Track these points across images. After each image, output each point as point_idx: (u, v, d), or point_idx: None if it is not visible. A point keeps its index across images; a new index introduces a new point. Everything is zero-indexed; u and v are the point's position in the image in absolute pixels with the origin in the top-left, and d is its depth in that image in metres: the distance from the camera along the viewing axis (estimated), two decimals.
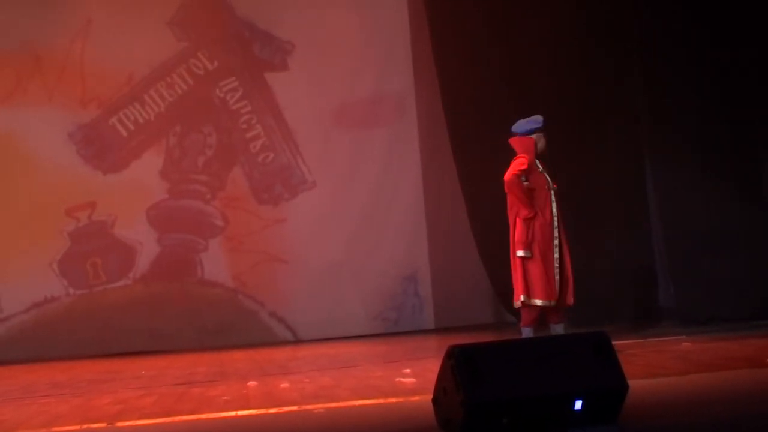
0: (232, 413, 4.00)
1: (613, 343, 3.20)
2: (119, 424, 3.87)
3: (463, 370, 2.98)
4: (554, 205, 5.90)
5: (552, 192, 5.91)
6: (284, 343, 9.02)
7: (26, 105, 9.19)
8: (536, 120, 6.01)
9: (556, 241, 5.86)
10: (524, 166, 5.86)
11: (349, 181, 9.44)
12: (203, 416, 3.99)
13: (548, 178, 5.97)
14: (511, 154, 6.03)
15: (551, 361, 3.06)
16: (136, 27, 9.35)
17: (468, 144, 8.61)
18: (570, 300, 5.91)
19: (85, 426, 3.88)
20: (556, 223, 5.89)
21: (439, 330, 9.20)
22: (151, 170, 9.39)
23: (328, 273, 9.28)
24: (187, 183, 9.47)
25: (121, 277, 9.26)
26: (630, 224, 7.94)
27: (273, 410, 4.01)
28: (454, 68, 8.60)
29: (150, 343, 8.87)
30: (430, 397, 3.27)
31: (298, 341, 9.14)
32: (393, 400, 4.11)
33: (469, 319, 9.26)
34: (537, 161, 5.98)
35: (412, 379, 4.79)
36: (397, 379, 4.82)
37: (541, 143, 5.99)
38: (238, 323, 9.26)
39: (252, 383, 5.15)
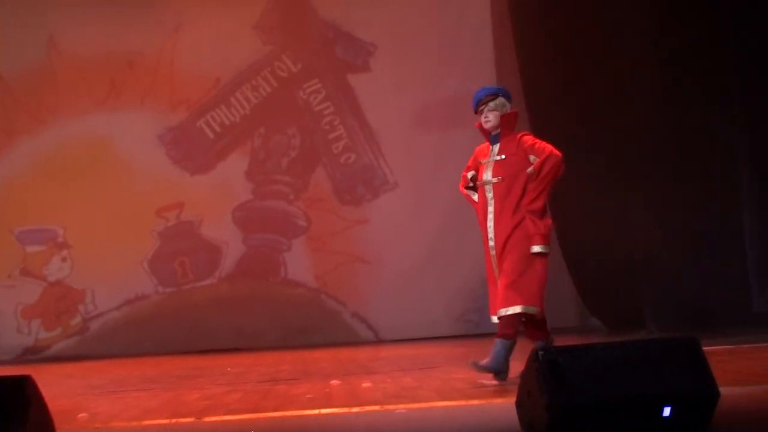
0: (316, 411, 4.04)
1: (703, 348, 3.11)
2: (206, 419, 3.95)
3: (548, 373, 2.95)
4: (491, 205, 4.82)
5: (489, 187, 4.83)
6: (366, 343, 9.08)
7: (120, 109, 9.52)
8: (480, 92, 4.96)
9: (491, 243, 4.82)
10: (470, 161, 5.01)
11: (432, 181, 9.43)
12: (287, 413, 4.05)
13: (491, 169, 4.83)
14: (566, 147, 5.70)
15: (639, 365, 3.00)
16: (223, 32, 9.58)
17: (551, 144, 8.50)
18: (498, 308, 4.80)
19: (174, 420, 3.98)
20: (490, 223, 4.82)
21: (521, 333, 9.09)
22: (236, 171, 9.59)
23: (410, 274, 9.30)
24: (271, 184, 9.63)
25: (207, 276, 9.48)
26: (722, 226, 7.71)
27: (355, 409, 4.03)
28: (538, 69, 8.51)
29: (235, 341, 9.05)
30: (512, 399, 3.24)
31: (379, 341, 9.18)
32: (475, 402, 4.09)
33: (552, 322, 8.99)
34: (494, 147, 4.88)
35: (495, 381, 4.76)
36: (479, 381, 4.79)
37: (485, 124, 4.89)
38: (321, 323, 9.37)
39: (335, 382, 5.20)
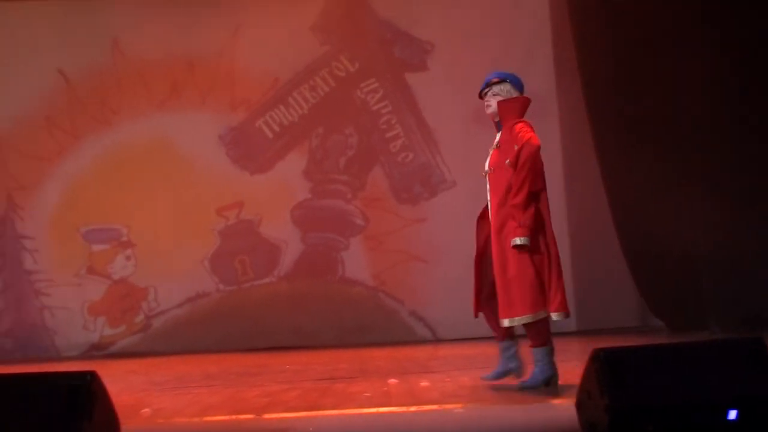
0: (374, 410, 4.06)
1: None
2: (266, 416, 4.00)
3: (608, 374, 2.91)
4: (488, 195, 4.69)
5: (487, 177, 4.68)
6: (423, 341, 9.07)
7: (181, 109, 9.69)
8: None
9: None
10: None
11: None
12: (346, 411, 4.07)
13: (490, 159, 4.69)
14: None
15: (703, 367, 2.94)
16: (281, 33, 9.67)
17: (612, 144, 8.40)
18: (500, 316, 4.53)
19: (234, 417, 4.04)
20: (490, 216, 4.65)
21: (581, 332, 8.99)
22: (295, 171, 9.68)
23: (467, 273, 9.21)
24: (329, 183, 9.70)
25: (266, 274, 9.59)
26: None
27: (413, 408, 4.04)
28: (597, 65, 8.40)
29: (293, 339, 9.14)
30: (572, 400, 3.21)
31: (437, 340, 9.17)
32: (534, 402, 4.06)
33: (613, 322, 9.02)
34: (497, 135, 4.72)
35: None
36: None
37: (486, 109, 4.73)
38: (378, 321, 9.39)
39: (393, 381, 5.21)
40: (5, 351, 9.33)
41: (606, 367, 2.92)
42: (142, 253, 9.56)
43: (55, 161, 9.68)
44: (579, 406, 3.14)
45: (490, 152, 4.74)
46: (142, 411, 4.30)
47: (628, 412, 2.87)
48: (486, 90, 4.74)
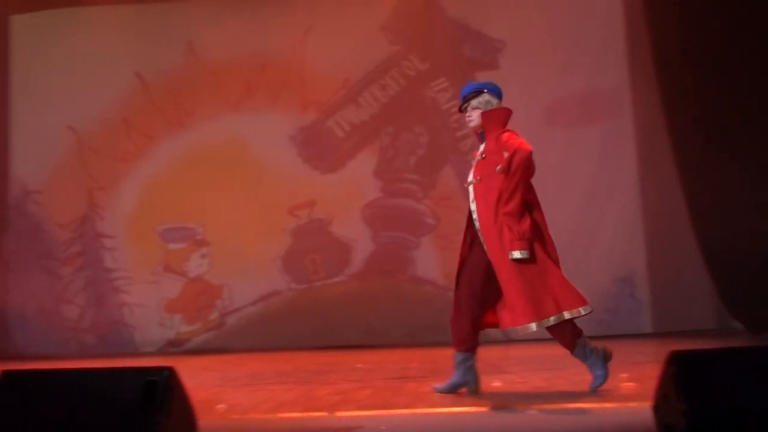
0: (446, 410, 4.05)
1: None
2: (338, 414, 4.03)
3: (686, 377, 2.85)
4: (472, 206, 4.62)
5: (471, 188, 4.62)
6: (495, 342, 8.98)
7: (253, 110, 9.85)
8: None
9: (485, 246, 4.56)
10: None
11: (562, 180, 9.24)
12: (418, 411, 4.07)
13: (475, 169, 4.64)
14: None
15: None
16: (351, 33, 9.74)
17: (689, 141, 8.20)
18: (511, 325, 4.58)
19: (307, 414, 4.08)
20: (477, 224, 4.57)
21: (658, 334, 8.81)
22: (365, 170, 9.73)
23: None
24: (399, 182, 9.71)
25: (337, 273, 9.66)
26: None
27: (484, 409, 4.02)
28: (674, 62, 8.21)
29: (364, 337, 9.18)
30: (648, 403, 3.15)
31: (509, 341, 9.08)
32: (609, 404, 3.99)
33: (690, 324, 8.80)
34: (481, 147, 4.68)
35: (630, 383, 4.63)
36: (613, 384, 4.67)
37: (469, 123, 4.77)
38: (449, 320, 9.34)
39: None
40: (87, 346, 9.64)
41: (683, 371, 2.86)
42: (216, 252, 9.74)
43: (133, 162, 9.95)
44: (656, 409, 3.08)
45: (474, 163, 4.69)
46: (218, 407, 4.38)
47: (706, 416, 2.80)
48: (465, 105, 4.73)
